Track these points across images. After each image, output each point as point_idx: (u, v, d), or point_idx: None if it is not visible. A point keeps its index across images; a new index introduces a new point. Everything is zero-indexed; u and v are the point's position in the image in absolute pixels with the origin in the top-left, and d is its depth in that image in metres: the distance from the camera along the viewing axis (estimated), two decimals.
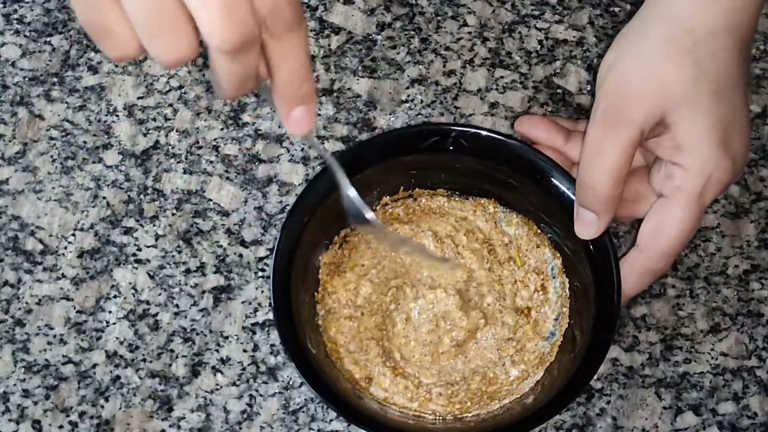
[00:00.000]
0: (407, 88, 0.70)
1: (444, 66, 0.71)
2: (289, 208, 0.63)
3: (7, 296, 0.64)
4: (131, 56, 0.42)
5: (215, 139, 0.68)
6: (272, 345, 0.63)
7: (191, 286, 0.65)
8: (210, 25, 0.39)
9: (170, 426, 0.61)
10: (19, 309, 0.64)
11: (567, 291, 0.62)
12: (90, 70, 0.70)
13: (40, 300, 0.64)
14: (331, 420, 0.62)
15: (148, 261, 0.65)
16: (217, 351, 0.63)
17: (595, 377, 0.60)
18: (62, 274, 0.65)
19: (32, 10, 0.72)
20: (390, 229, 0.51)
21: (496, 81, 0.70)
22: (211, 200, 0.67)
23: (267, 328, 0.64)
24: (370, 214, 0.51)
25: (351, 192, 0.51)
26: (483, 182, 0.63)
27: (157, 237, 0.66)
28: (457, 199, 0.65)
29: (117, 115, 0.69)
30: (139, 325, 0.64)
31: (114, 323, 0.64)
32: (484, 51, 0.71)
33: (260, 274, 0.65)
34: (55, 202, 0.66)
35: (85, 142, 0.68)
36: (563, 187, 0.59)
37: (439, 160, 0.62)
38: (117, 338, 0.63)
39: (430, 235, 0.63)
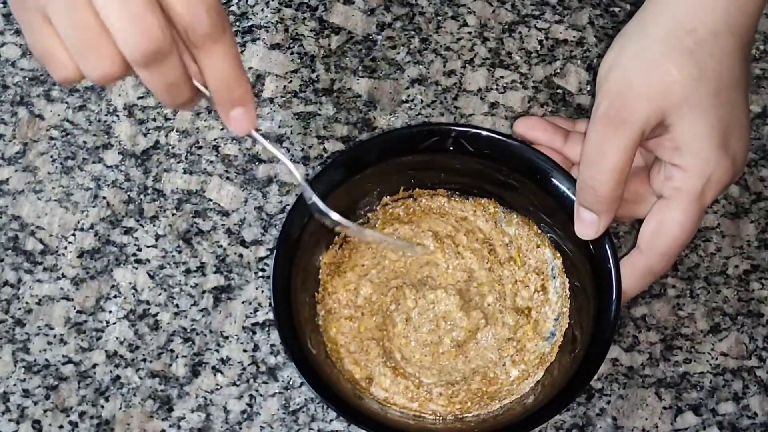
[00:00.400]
0: (407, 88, 0.70)
1: (444, 66, 0.71)
2: (289, 208, 0.63)
3: (7, 296, 0.64)
4: (73, 79, 0.44)
5: (215, 139, 0.68)
6: (272, 345, 0.63)
7: (191, 286, 0.65)
8: (120, 37, 0.41)
9: (170, 426, 0.61)
10: (19, 309, 0.64)
11: (567, 291, 0.62)
12: None
13: (40, 300, 0.64)
14: (331, 420, 0.62)
15: (148, 261, 0.65)
16: (217, 351, 0.63)
17: (595, 377, 0.60)
18: (62, 274, 0.65)
19: None
20: (348, 222, 0.53)
21: (496, 81, 0.70)
22: (211, 200, 0.67)
23: (267, 328, 0.64)
24: (325, 207, 0.53)
25: (307, 187, 0.53)
26: (483, 182, 0.63)
27: (157, 237, 0.66)
28: (457, 199, 0.65)
29: (117, 115, 0.69)
30: (139, 325, 0.64)
31: (114, 323, 0.64)
32: (484, 51, 0.71)
33: (260, 274, 0.65)
34: (55, 202, 0.66)
35: (85, 142, 0.68)
36: (563, 187, 0.59)
37: (439, 161, 0.62)
38: (117, 338, 0.63)
39: (430, 235, 0.63)
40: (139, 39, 0.41)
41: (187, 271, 0.65)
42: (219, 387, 0.62)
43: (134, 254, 0.65)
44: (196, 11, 0.42)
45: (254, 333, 0.64)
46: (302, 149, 0.68)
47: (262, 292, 0.64)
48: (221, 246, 0.65)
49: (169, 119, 0.69)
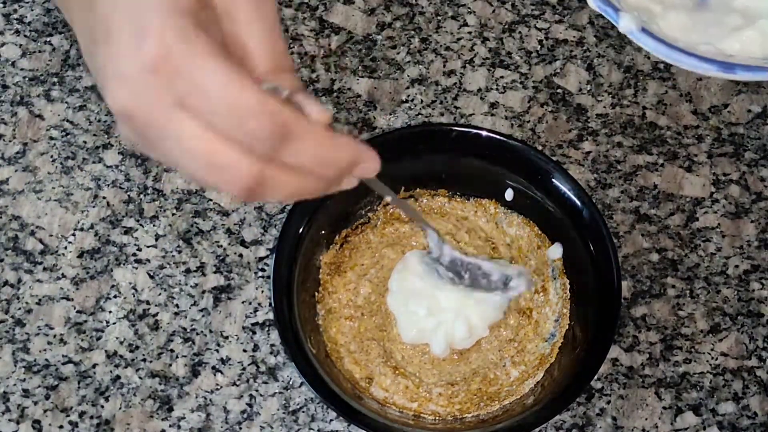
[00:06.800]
0: (407, 88, 0.70)
1: (444, 66, 0.71)
2: (289, 208, 0.63)
3: (7, 296, 0.64)
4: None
5: None
6: (272, 345, 0.63)
7: (191, 286, 0.65)
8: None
9: (170, 426, 0.61)
10: (19, 309, 0.64)
11: (567, 292, 0.62)
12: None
13: (40, 300, 0.64)
14: (331, 420, 0.62)
15: (148, 261, 0.65)
16: (217, 351, 0.63)
17: (595, 377, 0.60)
18: (62, 274, 0.65)
19: (32, 10, 0.72)
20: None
21: (496, 81, 0.70)
22: (211, 200, 0.67)
23: (267, 328, 0.64)
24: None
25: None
26: (484, 183, 0.63)
27: (157, 237, 0.66)
28: (458, 199, 0.65)
29: None
30: (139, 325, 0.64)
31: (114, 323, 0.64)
32: (484, 51, 0.71)
33: (260, 274, 0.65)
34: (55, 202, 0.66)
35: (85, 142, 0.68)
36: (564, 188, 0.59)
37: (440, 161, 0.62)
38: (117, 338, 0.63)
39: None
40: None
41: (187, 271, 0.65)
42: (219, 387, 0.62)
43: (134, 254, 0.65)
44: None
45: (254, 333, 0.64)
46: None
47: (262, 292, 0.64)
48: (221, 246, 0.65)
49: None
